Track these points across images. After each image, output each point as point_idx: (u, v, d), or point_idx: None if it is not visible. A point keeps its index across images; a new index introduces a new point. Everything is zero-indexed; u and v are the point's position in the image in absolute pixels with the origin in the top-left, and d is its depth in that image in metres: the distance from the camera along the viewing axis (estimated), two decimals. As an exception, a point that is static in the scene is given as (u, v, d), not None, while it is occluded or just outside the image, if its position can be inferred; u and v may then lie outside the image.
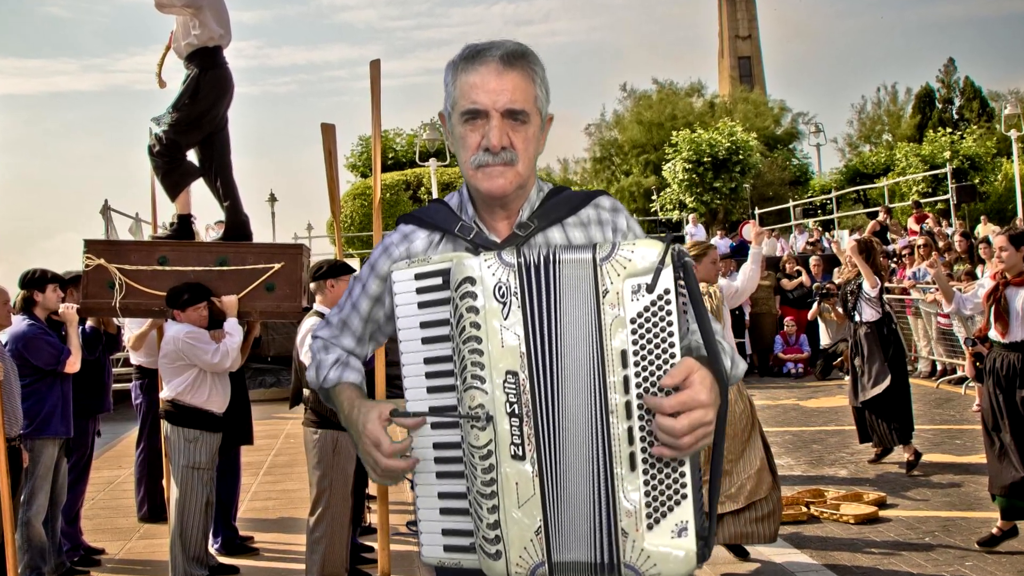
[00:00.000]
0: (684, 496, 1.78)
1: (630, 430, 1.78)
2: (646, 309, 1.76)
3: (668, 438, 1.73)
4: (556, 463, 1.83)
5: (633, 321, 1.76)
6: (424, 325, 1.97)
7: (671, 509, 1.78)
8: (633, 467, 1.78)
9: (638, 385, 1.77)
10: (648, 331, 1.76)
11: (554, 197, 2.16)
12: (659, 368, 1.76)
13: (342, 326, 2.27)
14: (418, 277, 1.97)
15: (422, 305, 1.97)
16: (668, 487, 1.78)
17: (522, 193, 2.10)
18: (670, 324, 1.75)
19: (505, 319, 1.83)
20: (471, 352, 1.85)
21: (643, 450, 1.78)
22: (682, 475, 1.78)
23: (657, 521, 1.78)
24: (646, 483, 1.78)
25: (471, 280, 1.85)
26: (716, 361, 1.80)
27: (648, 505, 1.78)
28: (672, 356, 1.75)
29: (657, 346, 1.76)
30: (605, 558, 1.83)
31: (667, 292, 1.75)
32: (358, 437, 2.01)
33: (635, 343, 1.76)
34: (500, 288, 1.84)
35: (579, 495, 1.83)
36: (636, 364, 1.77)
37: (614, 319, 1.77)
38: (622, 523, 1.79)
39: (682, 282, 1.81)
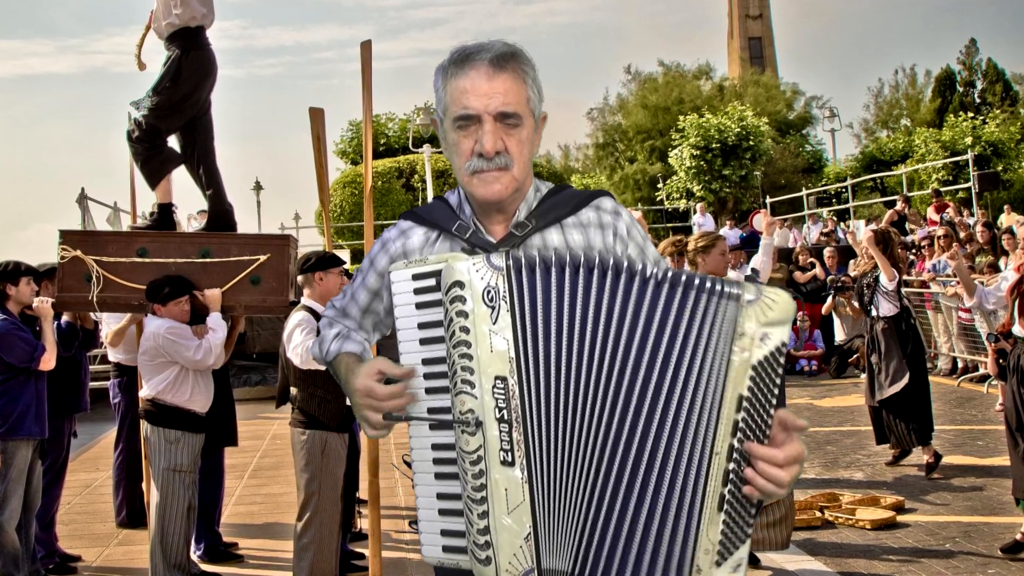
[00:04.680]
0: (748, 536, 1.91)
1: (727, 472, 1.86)
2: (766, 359, 1.84)
3: (771, 487, 1.85)
4: (555, 470, 1.90)
5: (754, 368, 1.84)
6: (422, 326, 2.03)
7: (736, 548, 1.90)
8: (720, 508, 1.87)
9: (742, 431, 1.85)
10: (763, 379, 1.85)
11: (553, 196, 2.24)
12: (760, 417, 1.86)
13: (341, 314, 2.39)
14: (415, 278, 2.03)
15: (420, 306, 2.03)
16: (740, 528, 1.90)
17: (518, 196, 2.17)
18: (778, 376, 1.86)
19: (494, 323, 1.89)
20: (461, 357, 1.91)
21: (730, 492, 1.87)
22: (752, 517, 1.91)
23: (724, 558, 1.89)
24: (725, 523, 1.88)
25: (460, 284, 1.91)
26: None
27: (722, 544, 1.88)
28: (773, 407, 1.87)
29: (764, 396, 1.86)
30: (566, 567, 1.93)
31: (785, 346, 1.86)
32: (351, 395, 2.09)
33: (750, 389, 1.84)
34: (489, 292, 1.90)
35: (580, 501, 1.90)
36: (746, 410, 1.85)
37: (743, 362, 1.84)
38: (698, 560, 1.88)
39: None
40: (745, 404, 1.84)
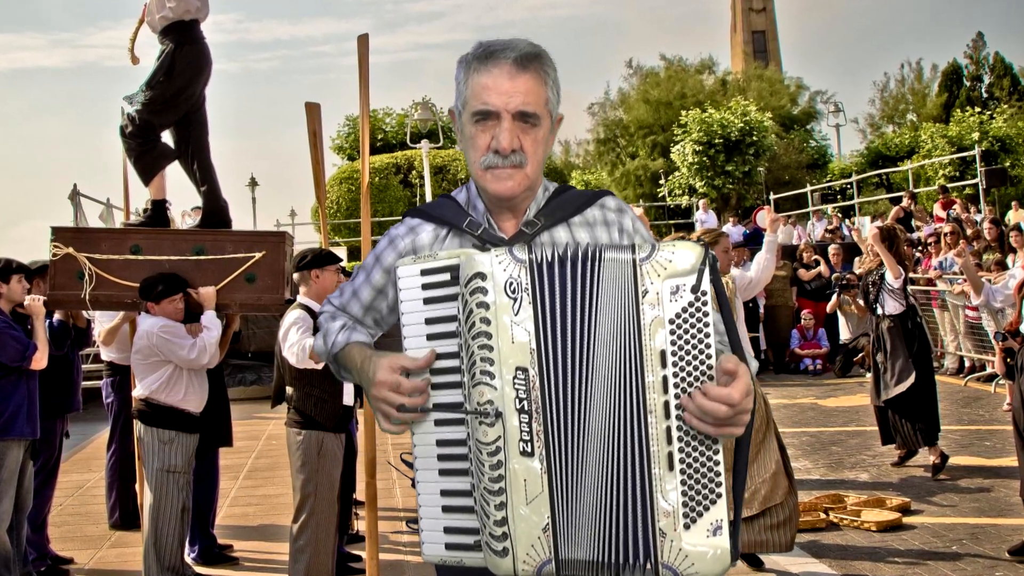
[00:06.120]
0: (719, 495, 1.91)
1: (668, 430, 1.90)
2: (684, 310, 1.88)
3: (710, 429, 1.88)
4: (568, 460, 1.94)
5: (672, 321, 1.89)
6: (430, 321, 2.08)
7: (707, 509, 1.90)
8: (671, 467, 1.90)
9: (676, 385, 1.89)
10: (686, 331, 1.89)
11: (559, 196, 2.30)
12: (696, 368, 1.89)
13: (340, 310, 2.42)
14: (424, 273, 2.08)
15: (427, 301, 2.08)
16: (704, 486, 1.90)
17: (530, 194, 2.24)
18: (707, 325, 1.89)
19: (515, 315, 1.94)
20: (480, 348, 1.95)
21: (680, 450, 1.90)
22: (717, 475, 1.91)
23: (694, 521, 1.90)
24: (683, 483, 1.90)
25: (482, 275, 1.96)
26: (743, 359, 1.96)
27: (685, 505, 1.90)
28: (708, 356, 1.89)
29: (694, 347, 1.89)
30: (633, 558, 1.93)
31: (704, 293, 1.88)
32: (368, 387, 2.12)
33: (673, 343, 1.89)
34: (511, 284, 1.95)
35: (596, 492, 1.94)
36: (674, 364, 1.89)
37: (654, 319, 1.89)
38: (660, 523, 1.90)
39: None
40: (672, 359, 1.88)
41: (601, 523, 1.94)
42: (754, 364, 2.14)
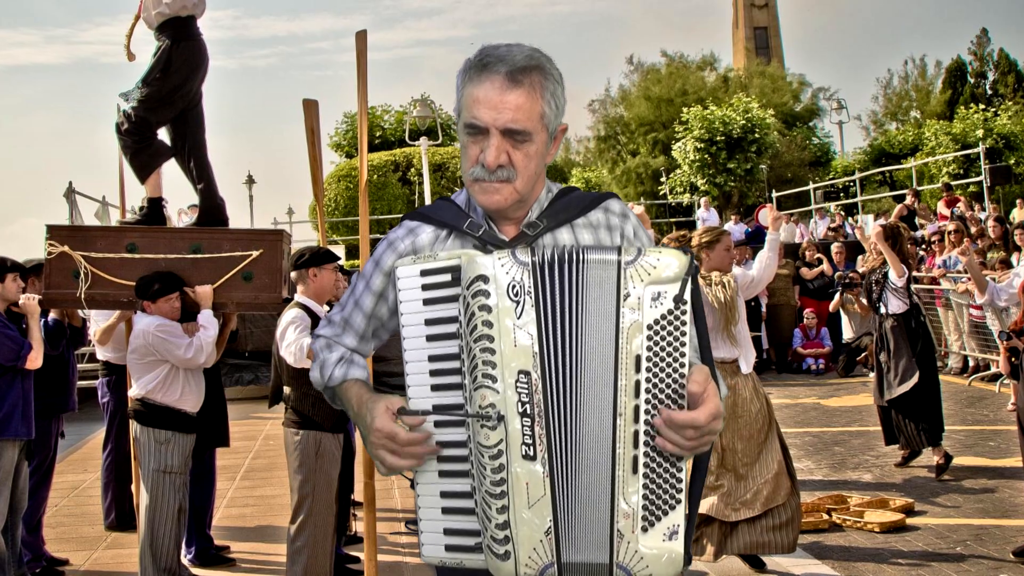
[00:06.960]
0: (679, 501, 1.95)
1: (636, 433, 1.93)
2: (663, 317, 1.91)
3: (679, 451, 1.94)
4: (568, 464, 1.96)
5: (650, 327, 1.91)
6: (429, 322, 2.08)
7: (665, 513, 1.94)
8: (635, 470, 1.94)
9: (647, 391, 1.92)
10: (663, 338, 1.91)
11: (563, 198, 2.30)
12: (668, 376, 1.92)
13: (344, 324, 2.39)
14: (424, 273, 2.08)
15: (428, 302, 2.08)
16: (665, 492, 1.94)
17: (523, 205, 2.23)
18: (683, 334, 1.92)
19: (518, 318, 1.95)
20: (482, 351, 1.96)
21: (646, 454, 1.94)
22: (679, 481, 1.95)
23: (652, 524, 1.94)
24: (645, 487, 1.94)
25: (484, 278, 1.96)
26: (714, 375, 2.01)
27: (645, 508, 1.94)
28: (682, 365, 1.92)
29: (669, 354, 1.92)
30: (603, 558, 1.98)
31: (685, 303, 1.91)
32: (366, 432, 2.12)
33: (649, 349, 1.91)
34: (514, 287, 1.96)
35: (591, 495, 1.96)
36: (648, 370, 1.92)
37: (632, 323, 1.91)
38: (619, 524, 1.94)
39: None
40: (646, 364, 1.91)
41: (596, 524, 1.96)
42: (724, 390, 2.14)
